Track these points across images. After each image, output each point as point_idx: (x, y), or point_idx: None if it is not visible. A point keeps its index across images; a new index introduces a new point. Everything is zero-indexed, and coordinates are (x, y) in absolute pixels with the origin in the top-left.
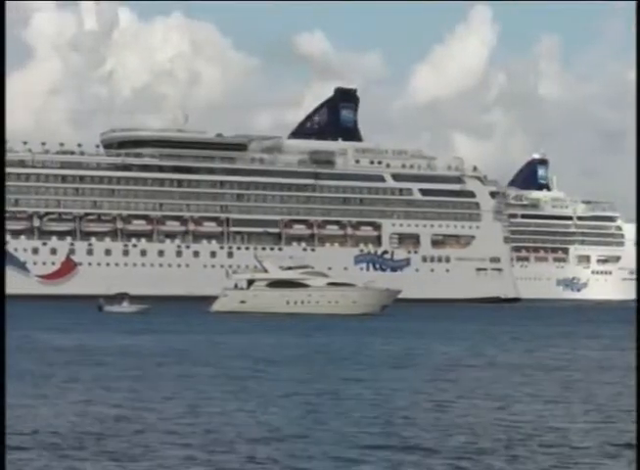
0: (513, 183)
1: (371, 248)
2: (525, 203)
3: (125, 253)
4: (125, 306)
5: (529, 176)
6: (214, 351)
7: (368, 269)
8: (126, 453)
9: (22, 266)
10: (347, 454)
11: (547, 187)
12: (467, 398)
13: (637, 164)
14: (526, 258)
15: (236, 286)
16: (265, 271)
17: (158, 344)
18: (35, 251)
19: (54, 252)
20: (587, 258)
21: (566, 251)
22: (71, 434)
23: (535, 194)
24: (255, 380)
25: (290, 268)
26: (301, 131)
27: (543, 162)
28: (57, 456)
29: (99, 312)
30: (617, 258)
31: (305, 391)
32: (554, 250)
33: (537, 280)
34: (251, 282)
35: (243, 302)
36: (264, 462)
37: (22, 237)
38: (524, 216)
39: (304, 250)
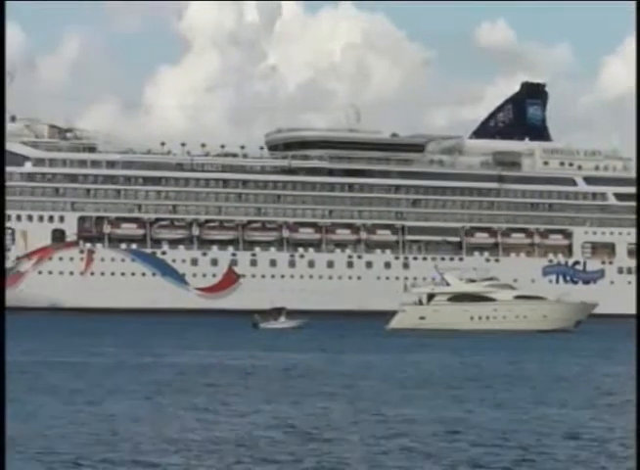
0: None
1: (561, 258)
2: None
3: (292, 264)
4: (283, 322)
5: None
6: (363, 370)
7: (558, 282)
8: None
9: (180, 279)
10: None
11: None
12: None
13: (637, 163)
14: None
15: (419, 301)
16: (447, 284)
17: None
18: (195, 262)
19: (215, 263)
20: None
21: None
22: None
23: None
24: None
25: (473, 281)
26: (484, 130)
27: None
28: None
29: (253, 329)
30: None
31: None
32: None
33: None
34: (431, 296)
35: (422, 318)
36: None
37: (181, 247)
38: None
39: (487, 260)
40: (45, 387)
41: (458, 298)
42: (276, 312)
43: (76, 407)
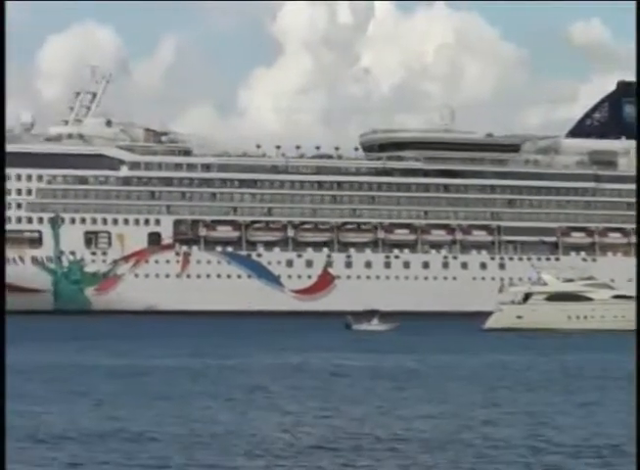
0: None
1: None
2: None
3: (387, 265)
4: (375, 324)
5: None
6: (453, 371)
7: None
8: None
9: (275, 280)
10: None
11: None
12: None
13: (637, 162)
14: None
15: (522, 301)
16: (544, 283)
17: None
18: (290, 263)
19: (310, 264)
20: None
21: None
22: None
23: None
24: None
25: (570, 280)
26: (580, 129)
27: None
28: None
29: (346, 330)
30: None
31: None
32: None
33: None
34: (528, 296)
35: (519, 317)
36: None
37: (276, 249)
38: None
39: (584, 260)
40: (133, 390)
41: (555, 297)
42: (369, 314)
43: (161, 410)
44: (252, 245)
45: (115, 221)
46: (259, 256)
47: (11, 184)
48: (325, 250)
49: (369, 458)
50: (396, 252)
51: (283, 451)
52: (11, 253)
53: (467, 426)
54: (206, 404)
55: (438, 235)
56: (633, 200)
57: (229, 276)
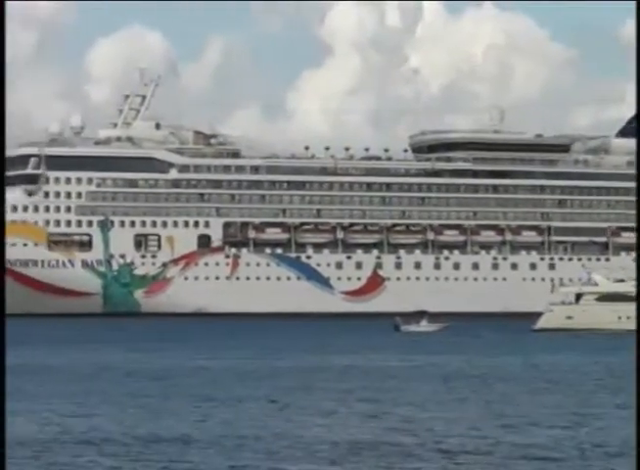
0: None
1: None
2: None
3: (437, 266)
4: (424, 325)
5: None
6: (500, 372)
7: None
8: None
9: (325, 282)
10: None
11: None
12: None
13: (637, 161)
14: None
15: (573, 301)
16: (594, 284)
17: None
18: (339, 265)
19: (359, 266)
20: None
21: None
22: None
23: None
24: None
25: (622, 280)
26: (630, 129)
27: None
28: None
29: (395, 332)
30: None
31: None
32: None
33: None
34: (579, 296)
35: (569, 318)
36: None
37: (326, 251)
38: None
39: (635, 260)
40: (179, 392)
41: (606, 297)
42: (418, 315)
43: (204, 411)
44: (302, 247)
45: (165, 224)
46: (309, 257)
47: (60, 187)
48: (374, 251)
49: (414, 460)
50: (446, 253)
51: (328, 453)
52: (61, 256)
53: (513, 427)
54: (252, 406)
55: (488, 236)
56: None
57: (278, 278)
